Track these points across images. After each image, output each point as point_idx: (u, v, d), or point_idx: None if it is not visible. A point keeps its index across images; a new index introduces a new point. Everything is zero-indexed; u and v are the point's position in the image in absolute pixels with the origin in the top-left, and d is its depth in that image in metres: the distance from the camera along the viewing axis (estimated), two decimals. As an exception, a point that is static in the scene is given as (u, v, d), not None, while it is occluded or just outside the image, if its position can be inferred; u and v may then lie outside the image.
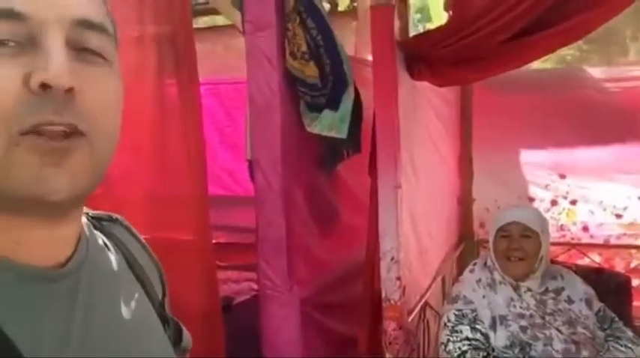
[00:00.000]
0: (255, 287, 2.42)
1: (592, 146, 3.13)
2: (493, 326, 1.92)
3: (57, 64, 0.49)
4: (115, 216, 0.72)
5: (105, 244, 0.66)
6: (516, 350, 1.86)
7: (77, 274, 0.58)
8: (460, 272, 3.08)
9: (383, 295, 1.95)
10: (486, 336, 1.91)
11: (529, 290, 1.98)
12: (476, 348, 1.88)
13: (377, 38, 1.88)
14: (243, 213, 2.55)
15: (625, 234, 3.13)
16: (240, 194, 3.23)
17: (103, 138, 0.54)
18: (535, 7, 1.79)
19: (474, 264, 2.15)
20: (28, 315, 0.53)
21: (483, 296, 1.98)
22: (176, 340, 0.72)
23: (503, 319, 1.92)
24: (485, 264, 2.09)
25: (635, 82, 3.05)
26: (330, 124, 1.99)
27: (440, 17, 4.93)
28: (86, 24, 0.53)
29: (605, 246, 3.16)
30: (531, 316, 1.93)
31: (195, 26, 2.16)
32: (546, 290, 2.00)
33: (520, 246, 1.97)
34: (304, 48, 1.90)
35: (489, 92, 3.03)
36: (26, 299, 0.53)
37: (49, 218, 0.55)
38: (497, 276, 2.01)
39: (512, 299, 1.96)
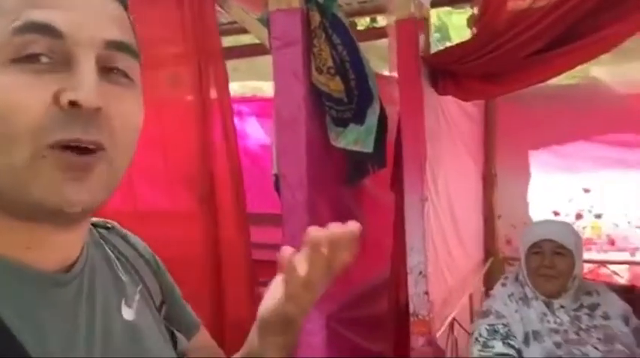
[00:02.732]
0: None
1: (616, 162, 3.12)
2: (526, 342, 1.89)
3: (88, 84, 0.50)
4: (111, 223, 0.73)
5: (104, 250, 0.67)
6: None
7: (81, 278, 0.60)
8: (487, 289, 3.06)
9: (411, 310, 1.94)
10: (519, 351, 1.88)
11: (562, 306, 1.95)
12: None
13: (403, 52, 1.90)
14: (265, 229, 2.56)
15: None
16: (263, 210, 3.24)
17: (121, 154, 0.56)
18: (557, 24, 1.80)
19: (506, 278, 2.12)
20: (36, 318, 0.54)
21: (516, 311, 1.96)
22: (173, 344, 0.73)
23: (536, 334, 1.89)
24: (516, 278, 2.06)
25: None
26: (355, 139, 2.00)
27: (459, 36, 4.95)
28: (116, 45, 0.54)
29: (631, 262, 3.12)
30: (565, 332, 1.89)
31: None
32: (581, 306, 1.96)
33: (553, 264, 1.93)
34: (330, 63, 1.92)
35: (513, 107, 3.03)
36: (34, 303, 0.54)
37: (61, 226, 0.56)
38: (529, 292, 1.98)
39: (545, 315, 1.93)
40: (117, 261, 0.68)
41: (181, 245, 1.79)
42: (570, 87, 3.06)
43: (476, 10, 2.74)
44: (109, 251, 0.68)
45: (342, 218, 2.35)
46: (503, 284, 2.09)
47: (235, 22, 2.95)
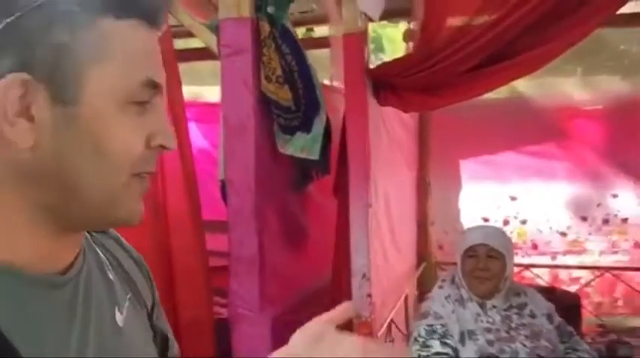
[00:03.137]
0: (220, 311, 2.43)
1: (540, 172, 3.34)
2: (462, 340, 2.00)
3: (169, 129, 0.62)
4: None
5: (97, 254, 0.69)
6: None
7: (77, 281, 0.61)
8: (421, 292, 3.18)
9: (354, 312, 2.00)
10: (455, 350, 1.99)
11: (494, 307, 2.08)
12: None
13: (349, 65, 1.97)
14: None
15: (570, 251, 3.34)
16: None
17: None
18: (494, 41, 1.93)
19: (443, 281, 2.23)
20: (32, 321, 0.55)
21: (452, 311, 2.07)
22: (163, 349, 0.74)
23: (471, 333, 2.01)
24: (453, 280, 2.18)
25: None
26: (302, 146, 2.05)
27: (394, 47, 5.10)
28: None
29: (553, 266, 3.35)
30: (497, 330, 2.02)
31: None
32: (510, 306, 2.10)
33: (486, 267, 2.06)
34: (279, 72, 1.96)
35: (446, 119, 3.18)
36: (30, 305, 0.55)
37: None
38: (464, 293, 2.10)
39: (479, 315, 2.05)
40: (109, 264, 0.69)
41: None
42: (499, 101, 3.25)
43: (412, 25, 2.88)
44: (102, 254, 0.69)
45: (288, 224, 2.41)
46: (441, 287, 2.20)
47: (174, 26, 2.95)
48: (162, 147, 0.61)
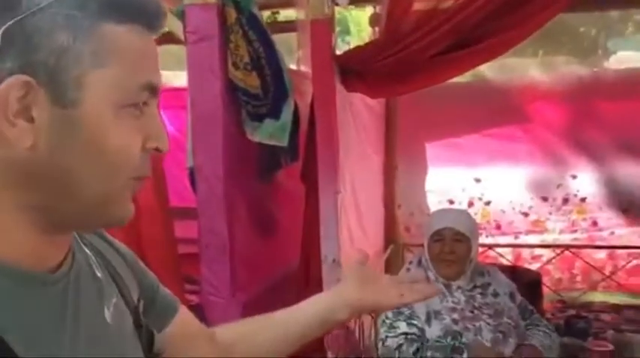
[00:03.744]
0: (190, 298, 2.43)
1: (503, 153, 3.42)
2: (428, 320, 2.06)
3: (164, 132, 0.63)
4: None
5: (85, 252, 0.69)
6: (449, 339, 2.01)
7: (67, 279, 0.62)
8: (389, 275, 3.23)
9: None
10: (422, 330, 2.05)
11: (459, 287, 2.14)
12: (411, 341, 2.01)
13: (317, 51, 1.97)
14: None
15: (531, 231, 3.45)
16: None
17: None
18: (460, 26, 1.96)
19: (410, 263, 2.28)
20: (23, 319, 0.56)
21: None
22: (149, 344, 0.75)
23: (437, 313, 2.06)
24: (419, 263, 2.23)
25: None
26: (271, 133, 2.05)
27: (360, 31, 5.10)
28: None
29: (516, 245, 3.46)
30: (462, 310, 2.08)
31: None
32: (475, 287, 2.16)
33: (452, 250, 2.11)
34: (247, 59, 1.96)
35: (412, 103, 3.21)
36: (21, 304, 0.56)
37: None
38: (431, 275, 2.15)
39: (444, 295, 2.10)
40: (96, 262, 0.70)
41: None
42: (463, 84, 3.29)
43: (378, 10, 2.89)
44: (89, 251, 0.70)
45: (257, 210, 2.42)
46: (408, 269, 2.25)
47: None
48: (157, 149, 0.62)
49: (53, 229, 0.60)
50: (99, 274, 0.69)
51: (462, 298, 2.12)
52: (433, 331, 2.05)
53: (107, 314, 0.66)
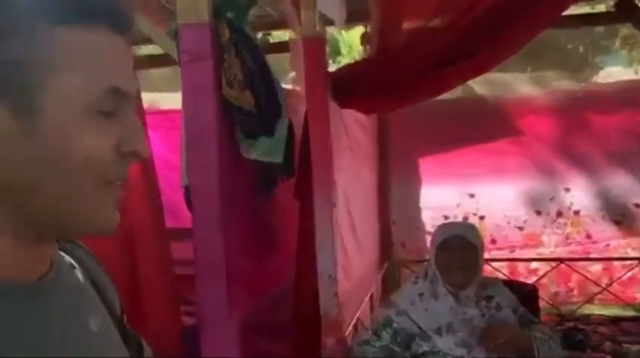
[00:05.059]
0: (186, 320, 2.41)
1: (495, 168, 3.45)
2: (439, 332, 2.05)
3: (142, 136, 0.61)
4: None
5: (71, 263, 0.69)
6: (464, 351, 2.02)
7: (51, 289, 0.61)
8: (385, 291, 3.23)
9: (322, 311, 2.03)
10: (408, 347, 2.05)
11: (467, 297, 2.13)
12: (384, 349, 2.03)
13: (310, 69, 1.99)
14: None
15: (526, 244, 3.46)
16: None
17: None
18: (449, 43, 1.99)
19: (417, 277, 2.26)
20: (8, 330, 0.55)
21: (425, 310, 2.10)
22: (138, 354, 0.75)
23: (449, 326, 2.06)
24: (426, 275, 2.20)
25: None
26: (266, 150, 2.06)
27: (350, 51, 5.17)
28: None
29: (511, 259, 3.46)
30: (471, 320, 2.08)
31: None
32: (480, 298, 2.15)
33: (461, 258, 2.10)
34: (240, 77, 1.97)
35: (404, 119, 3.24)
36: (6, 314, 0.56)
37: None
38: (440, 288, 2.13)
39: (454, 308, 2.10)
40: (80, 272, 0.70)
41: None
42: (454, 100, 3.33)
43: (369, 29, 2.93)
44: (73, 262, 0.70)
45: (253, 227, 2.41)
46: (415, 282, 2.23)
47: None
48: (134, 153, 0.60)
49: (35, 239, 0.59)
50: (82, 284, 0.68)
51: (472, 309, 2.12)
52: (446, 342, 2.05)
53: (93, 324, 0.65)
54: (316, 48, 2.00)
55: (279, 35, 3.80)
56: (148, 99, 3.59)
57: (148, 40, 2.38)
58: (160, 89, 3.59)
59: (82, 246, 0.75)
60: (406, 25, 2.11)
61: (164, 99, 3.51)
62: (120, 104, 0.58)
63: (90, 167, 0.57)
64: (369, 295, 2.80)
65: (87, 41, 0.55)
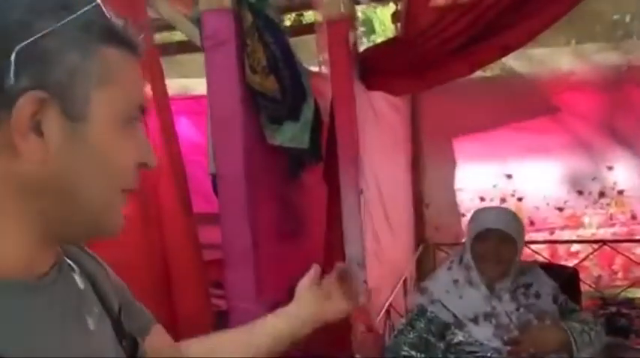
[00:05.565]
0: (218, 303, 2.43)
1: (534, 147, 3.33)
2: (476, 320, 2.00)
3: (152, 149, 0.68)
4: None
5: (70, 263, 0.71)
6: (498, 342, 1.96)
7: (52, 288, 0.64)
8: (420, 275, 3.19)
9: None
10: (442, 336, 2.00)
11: (502, 289, 2.06)
12: (422, 350, 1.97)
13: (334, 51, 1.95)
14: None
15: (567, 226, 3.34)
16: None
17: None
18: (478, 20, 1.91)
19: (451, 262, 2.18)
20: (11, 327, 0.57)
21: (460, 297, 2.04)
22: (133, 352, 0.76)
23: (487, 315, 2.01)
24: (461, 261, 2.13)
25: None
26: (291, 135, 2.04)
27: (385, 29, 5.06)
28: None
29: (551, 241, 3.36)
30: (508, 311, 2.02)
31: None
32: (517, 286, 2.08)
33: (498, 252, 2.02)
34: (264, 62, 1.95)
35: (437, 99, 3.15)
36: (9, 311, 0.57)
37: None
38: (474, 276, 2.06)
39: (488, 298, 2.04)
40: (78, 272, 0.71)
41: (124, 249, 1.78)
42: (490, 78, 3.22)
43: (399, 6, 2.85)
44: (71, 262, 0.71)
45: (281, 212, 2.40)
46: (449, 268, 2.15)
47: (158, 19, 2.93)
48: (144, 165, 0.67)
49: (48, 239, 0.62)
50: (81, 284, 0.70)
51: (506, 299, 2.05)
52: (481, 332, 2.00)
53: (90, 323, 0.67)
54: (340, 29, 1.95)
55: (312, 16, 3.73)
56: (180, 85, 3.61)
57: (174, 27, 2.37)
58: (192, 75, 3.58)
59: (82, 246, 0.78)
60: (435, 2, 2.03)
61: (196, 85, 3.50)
62: (139, 117, 0.65)
63: (121, 174, 0.64)
64: (402, 279, 2.76)
65: (123, 61, 0.63)
